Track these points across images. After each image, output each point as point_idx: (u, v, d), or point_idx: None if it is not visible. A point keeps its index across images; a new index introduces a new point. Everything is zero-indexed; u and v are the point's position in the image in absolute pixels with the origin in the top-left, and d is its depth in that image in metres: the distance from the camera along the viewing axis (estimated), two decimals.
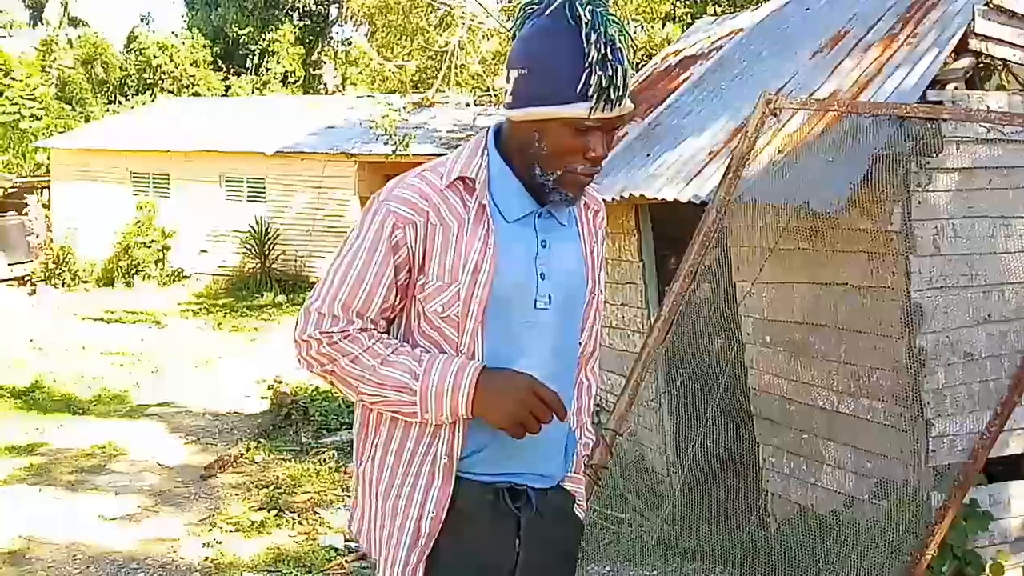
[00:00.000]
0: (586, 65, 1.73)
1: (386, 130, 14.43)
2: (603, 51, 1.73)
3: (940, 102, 3.98)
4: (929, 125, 3.88)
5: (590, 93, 1.74)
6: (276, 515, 6.22)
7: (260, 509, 6.35)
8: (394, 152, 14.97)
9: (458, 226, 1.83)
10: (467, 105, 17.48)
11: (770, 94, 4.21)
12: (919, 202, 4.02)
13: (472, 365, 1.81)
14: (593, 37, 1.73)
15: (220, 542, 5.78)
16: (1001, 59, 4.25)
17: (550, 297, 1.89)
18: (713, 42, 6.63)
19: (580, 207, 2.00)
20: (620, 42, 1.75)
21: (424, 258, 1.83)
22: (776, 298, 4.78)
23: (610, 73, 1.73)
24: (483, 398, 1.79)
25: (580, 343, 2.05)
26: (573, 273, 1.96)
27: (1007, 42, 4.16)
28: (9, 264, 20.69)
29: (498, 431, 1.84)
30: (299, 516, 6.23)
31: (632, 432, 5.99)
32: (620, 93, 1.76)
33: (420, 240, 1.82)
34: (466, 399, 1.79)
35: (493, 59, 14.82)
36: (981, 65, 4.57)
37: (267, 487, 6.78)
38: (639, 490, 5.78)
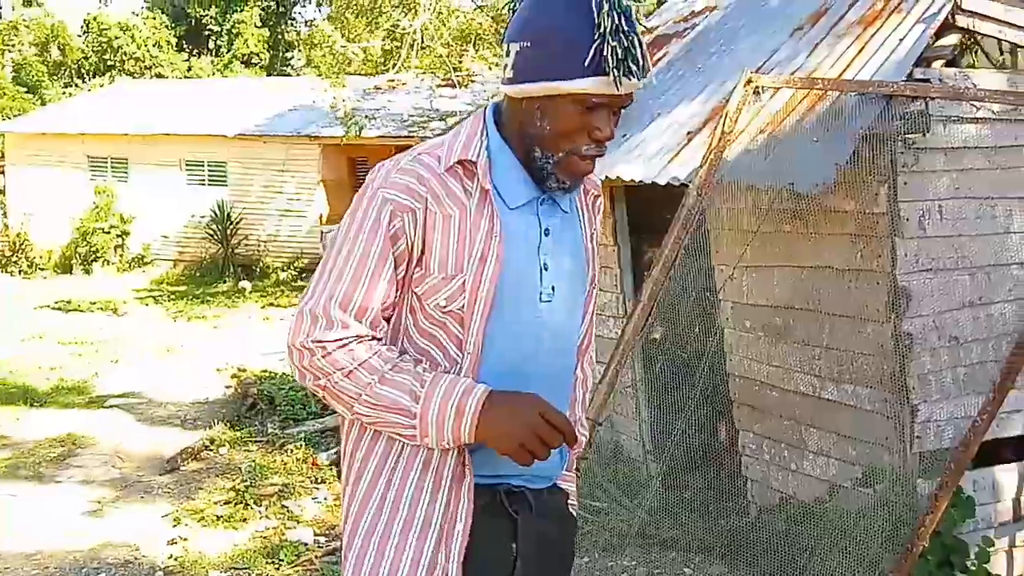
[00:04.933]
0: (596, 37, 1.60)
1: (344, 113, 14.21)
2: (616, 21, 1.59)
3: (927, 80, 3.87)
4: (916, 104, 3.77)
5: (606, 67, 1.60)
6: (243, 508, 6.04)
7: (227, 502, 6.16)
8: (346, 134, 14.87)
9: (460, 213, 1.69)
10: (429, 89, 17.26)
11: (752, 72, 4.08)
12: (905, 183, 3.92)
13: (478, 389, 1.66)
14: (605, 7, 1.59)
15: (186, 538, 5.60)
16: (987, 35, 4.15)
17: (553, 288, 1.77)
18: (687, 20, 6.49)
19: (579, 192, 1.88)
20: (634, 14, 1.62)
21: (423, 249, 1.69)
22: (756, 282, 4.67)
23: (625, 44, 1.60)
24: (487, 424, 1.64)
25: (579, 336, 1.94)
26: (575, 263, 1.84)
27: (992, 18, 4.07)
28: None
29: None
30: (267, 509, 6.06)
31: (608, 419, 5.87)
32: (640, 64, 1.62)
33: (419, 229, 1.68)
34: (470, 426, 1.64)
35: (457, 41, 14.61)
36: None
37: (233, 479, 6.58)
38: (617, 479, 5.68)
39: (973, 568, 4.02)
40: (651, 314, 4.40)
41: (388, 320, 1.74)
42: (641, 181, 4.83)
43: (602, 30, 1.59)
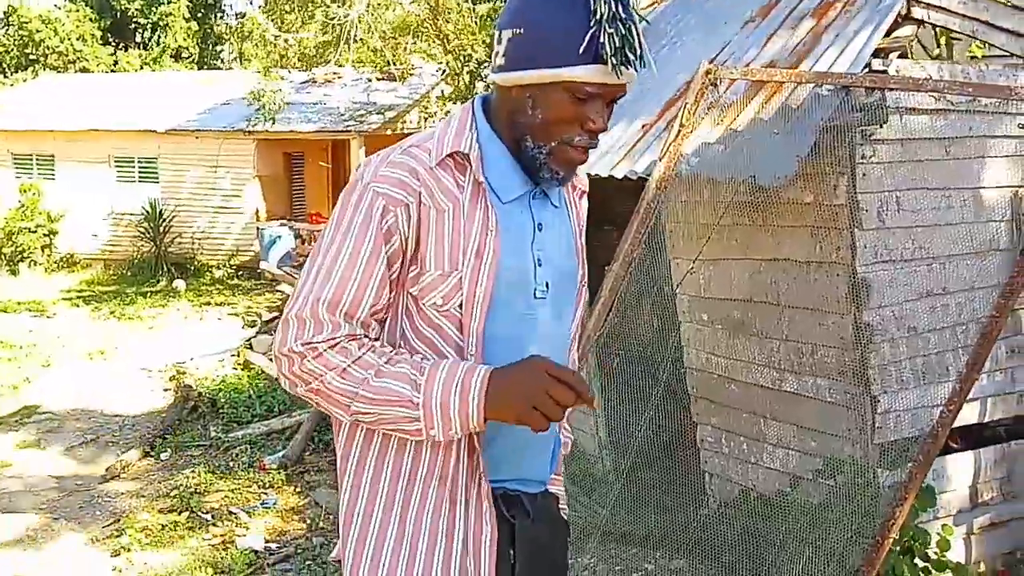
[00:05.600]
0: (592, 24, 1.54)
1: (263, 105, 14.00)
2: (613, 8, 1.54)
3: (885, 71, 3.87)
4: (874, 95, 3.77)
5: (603, 54, 1.54)
6: (188, 518, 5.84)
7: (171, 511, 5.96)
8: (251, 123, 14.76)
9: (453, 208, 1.61)
10: (368, 81, 17.02)
11: (709, 63, 4.04)
12: (864, 174, 3.92)
13: (481, 368, 1.57)
14: None
15: (128, 548, 5.39)
16: (941, 27, 4.17)
17: (547, 285, 1.70)
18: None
19: (568, 187, 1.83)
20: (632, 2, 1.58)
21: (418, 245, 1.61)
22: (715, 275, 4.65)
23: (623, 32, 1.54)
24: (494, 395, 1.54)
25: (571, 331, 1.87)
26: (566, 259, 1.78)
27: (947, 9, 4.09)
28: None
29: (494, 434, 1.66)
30: (214, 518, 5.87)
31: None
32: (638, 54, 1.56)
33: (413, 225, 1.60)
34: (478, 405, 1.54)
35: (394, 32, 14.39)
36: None
37: (176, 488, 6.37)
38: (573, 474, 5.62)
39: (935, 556, 4.04)
40: (611, 309, 4.33)
41: (382, 324, 1.65)
42: (598, 175, 4.76)
43: (598, 16, 1.54)
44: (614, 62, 1.55)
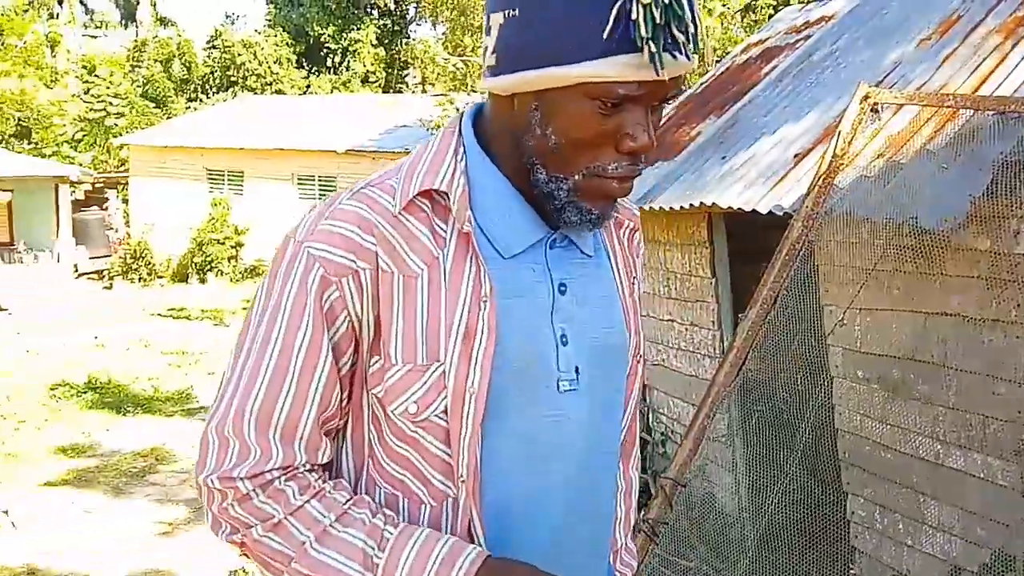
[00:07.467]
0: None
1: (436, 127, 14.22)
2: None
3: None
4: None
5: (636, 39, 1.01)
6: None
7: None
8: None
9: (428, 271, 1.13)
10: None
11: (869, 87, 3.53)
12: None
13: (465, 557, 1.10)
14: None
15: (247, 572, 5.35)
16: None
17: (577, 371, 1.19)
18: (800, 31, 5.92)
19: (610, 224, 1.29)
20: None
21: (377, 328, 1.13)
22: (871, 327, 4.08)
23: (665, 2, 1.00)
24: None
25: (622, 430, 1.33)
26: (609, 329, 1.24)
27: None
28: (90, 258, 21.11)
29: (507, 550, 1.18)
30: None
31: (700, 467, 5.34)
32: (689, 34, 1.03)
33: (368, 300, 1.12)
34: None
35: None
36: None
37: None
38: (707, 535, 5.13)
39: None
40: (746, 359, 3.87)
41: (335, 435, 1.19)
42: (739, 209, 4.31)
43: None
44: (653, 48, 1.01)
